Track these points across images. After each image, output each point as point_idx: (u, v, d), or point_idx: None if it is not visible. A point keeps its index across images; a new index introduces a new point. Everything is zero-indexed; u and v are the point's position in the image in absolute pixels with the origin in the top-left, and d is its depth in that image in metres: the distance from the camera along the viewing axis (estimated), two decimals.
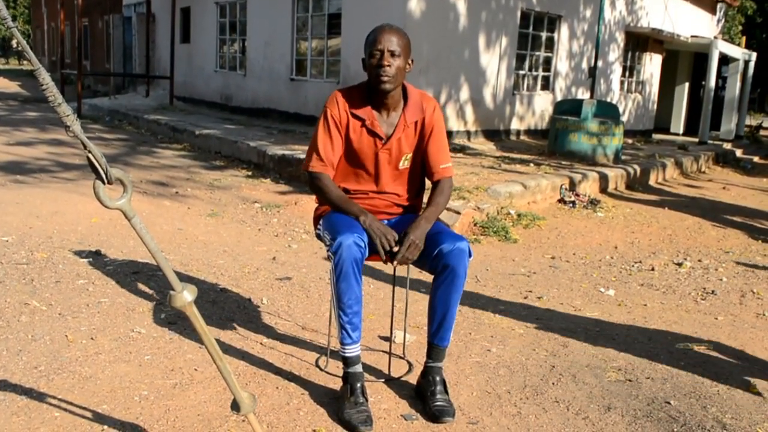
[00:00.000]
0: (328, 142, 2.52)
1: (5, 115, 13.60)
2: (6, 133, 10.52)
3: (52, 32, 29.42)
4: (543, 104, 12.69)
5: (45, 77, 1.43)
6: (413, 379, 2.66)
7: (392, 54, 2.41)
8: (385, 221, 2.62)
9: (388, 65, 2.40)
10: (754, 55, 16.51)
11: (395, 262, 2.40)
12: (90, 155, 1.51)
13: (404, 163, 2.59)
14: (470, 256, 2.39)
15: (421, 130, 2.58)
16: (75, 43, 19.71)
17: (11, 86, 24.07)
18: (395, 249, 2.38)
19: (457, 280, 2.37)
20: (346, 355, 2.40)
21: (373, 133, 2.53)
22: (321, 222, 2.56)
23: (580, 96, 13.03)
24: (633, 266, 5.19)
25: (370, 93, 2.53)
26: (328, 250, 2.35)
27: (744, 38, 18.42)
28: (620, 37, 14.04)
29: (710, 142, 14.28)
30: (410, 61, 2.50)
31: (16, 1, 46.33)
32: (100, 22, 22.55)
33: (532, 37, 12.19)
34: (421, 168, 2.64)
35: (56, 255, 4.03)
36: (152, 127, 12.05)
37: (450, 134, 10.65)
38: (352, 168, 2.59)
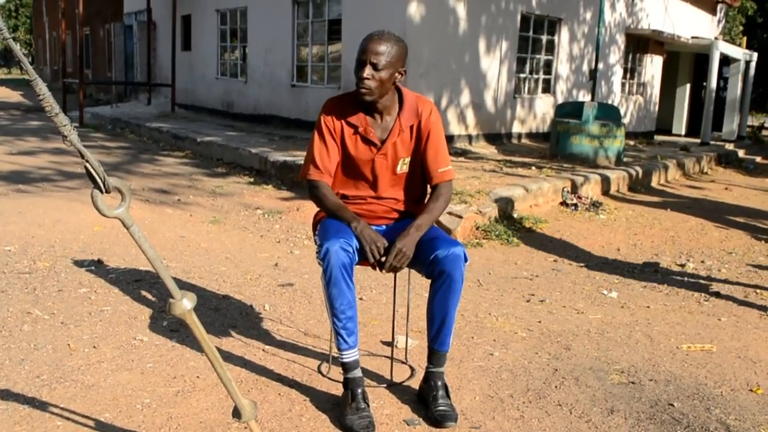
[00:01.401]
0: (324, 151, 2.53)
1: (8, 125, 13.65)
2: (8, 143, 10.56)
3: (54, 41, 29.55)
4: (544, 107, 12.69)
5: (42, 87, 1.44)
6: (415, 383, 2.65)
7: (374, 67, 2.38)
8: (384, 227, 2.63)
9: (367, 78, 2.39)
10: (755, 55, 16.50)
11: (383, 270, 2.40)
12: (87, 164, 1.51)
13: (402, 168, 2.58)
14: (466, 260, 2.38)
15: (417, 134, 2.56)
16: (76, 52, 19.77)
17: (13, 96, 24.17)
18: (383, 259, 2.39)
19: (454, 285, 2.37)
20: (344, 360, 2.40)
21: (367, 140, 2.52)
22: (318, 229, 2.56)
23: (581, 98, 13.02)
24: (635, 268, 5.18)
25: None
26: (317, 257, 2.36)
27: (745, 39, 18.39)
28: (621, 39, 14.04)
29: (712, 142, 14.26)
30: (402, 70, 2.45)
31: (17, 10, 46.59)
32: (102, 31, 22.64)
33: (532, 40, 12.20)
34: (420, 173, 2.63)
35: (58, 264, 4.04)
36: (154, 135, 12.08)
37: (451, 138, 10.65)
38: (350, 174, 2.59)
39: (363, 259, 2.44)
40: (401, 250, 2.37)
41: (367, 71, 2.39)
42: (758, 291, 4.49)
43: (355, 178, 2.59)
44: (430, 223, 2.50)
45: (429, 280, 2.47)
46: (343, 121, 2.52)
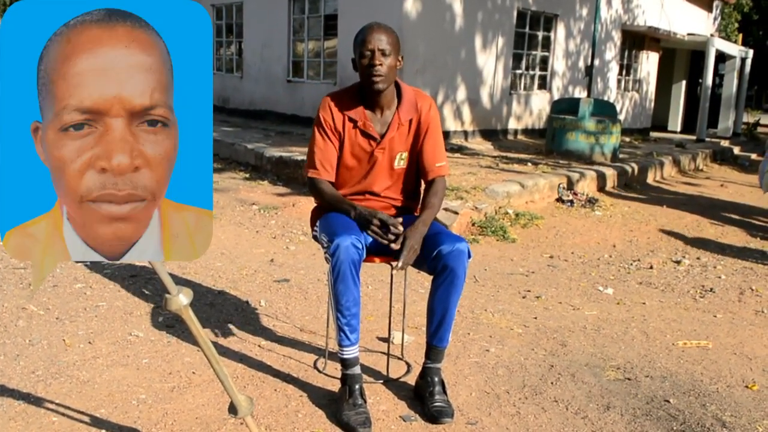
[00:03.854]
0: (324, 148, 2.54)
1: None
2: None
3: None
4: (540, 103, 12.69)
5: None
6: (412, 380, 2.65)
7: (383, 53, 2.40)
8: None
9: (380, 64, 2.39)
10: (751, 52, 16.52)
11: (395, 268, 2.39)
12: None
13: (399, 163, 2.58)
14: (469, 256, 2.38)
15: (416, 128, 2.56)
16: None
17: None
18: (391, 237, 2.38)
19: (457, 281, 2.37)
20: (345, 356, 2.39)
21: (366, 134, 2.53)
22: (318, 224, 2.56)
23: (577, 95, 13.02)
24: (631, 264, 5.19)
25: (362, 93, 2.53)
26: (325, 252, 2.34)
27: (740, 35, 18.45)
28: (617, 36, 14.05)
29: (708, 139, 14.29)
30: (400, 58, 2.49)
31: None
32: None
33: (528, 36, 12.20)
34: (415, 168, 2.64)
35: None
36: None
37: (447, 134, 10.64)
38: (349, 169, 2.59)
39: (369, 256, 2.44)
40: (413, 246, 2.37)
41: (379, 58, 2.39)
42: (753, 288, 4.50)
43: (354, 174, 2.59)
44: (433, 218, 2.50)
45: (426, 277, 2.46)
46: (343, 116, 2.52)
